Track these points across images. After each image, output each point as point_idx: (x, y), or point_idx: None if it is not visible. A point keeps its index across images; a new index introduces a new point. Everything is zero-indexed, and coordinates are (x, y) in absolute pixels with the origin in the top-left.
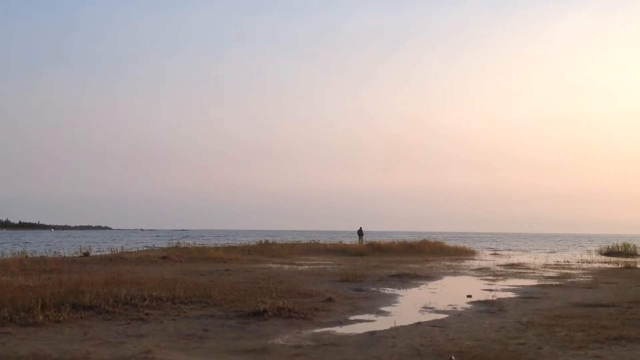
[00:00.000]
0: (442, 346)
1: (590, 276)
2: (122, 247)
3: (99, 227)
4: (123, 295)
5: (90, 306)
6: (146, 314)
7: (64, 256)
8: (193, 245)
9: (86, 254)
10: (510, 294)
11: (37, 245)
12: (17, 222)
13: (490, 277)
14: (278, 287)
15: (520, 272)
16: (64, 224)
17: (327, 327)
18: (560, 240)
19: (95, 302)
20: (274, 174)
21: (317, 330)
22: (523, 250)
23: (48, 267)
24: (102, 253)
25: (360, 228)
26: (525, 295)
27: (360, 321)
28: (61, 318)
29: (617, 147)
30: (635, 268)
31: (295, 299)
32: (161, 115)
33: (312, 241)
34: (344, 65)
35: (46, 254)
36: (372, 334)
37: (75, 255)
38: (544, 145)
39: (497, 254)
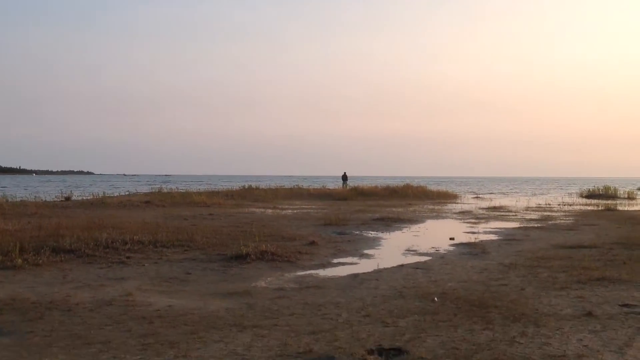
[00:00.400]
0: (425, 288)
1: (571, 218)
2: (104, 192)
3: (81, 172)
4: (104, 239)
5: (71, 250)
6: (127, 258)
7: (45, 200)
8: (176, 190)
9: (67, 199)
10: (493, 237)
11: (17, 190)
12: None
13: (473, 220)
14: (261, 231)
15: (502, 215)
16: (45, 169)
17: (310, 270)
18: (542, 184)
19: (76, 246)
20: (257, 120)
21: (300, 273)
22: (505, 194)
23: (28, 211)
24: (84, 198)
25: (345, 173)
26: (508, 237)
27: (344, 264)
28: (40, 261)
29: (599, 90)
30: (615, 210)
31: (278, 242)
32: (141, 61)
33: (295, 186)
34: (327, 9)
35: (26, 198)
36: (355, 276)
37: (56, 199)
38: (527, 91)
39: (479, 197)
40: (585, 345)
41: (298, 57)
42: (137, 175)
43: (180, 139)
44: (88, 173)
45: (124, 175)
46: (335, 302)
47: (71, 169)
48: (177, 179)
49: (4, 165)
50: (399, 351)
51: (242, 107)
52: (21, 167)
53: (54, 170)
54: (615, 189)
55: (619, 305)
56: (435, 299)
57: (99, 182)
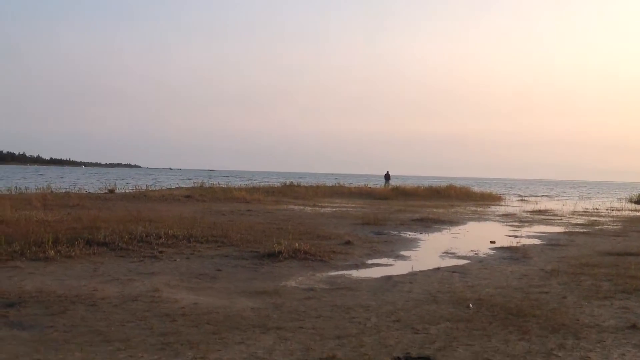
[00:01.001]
0: (460, 293)
1: (619, 224)
2: (147, 186)
3: (128, 165)
4: (139, 233)
5: (104, 242)
6: (160, 252)
7: (88, 192)
8: (217, 185)
9: (111, 191)
10: (536, 241)
11: (64, 181)
12: (49, 159)
13: (516, 224)
14: (297, 229)
15: (547, 219)
16: (95, 162)
17: (342, 270)
18: (590, 188)
19: (110, 239)
20: (301, 117)
21: (333, 274)
22: (551, 197)
23: (70, 202)
24: (127, 190)
25: (387, 172)
26: (551, 242)
27: (378, 265)
28: (73, 253)
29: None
30: None
31: (313, 241)
32: (195, 59)
33: (337, 184)
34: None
35: (71, 190)
36: (388, 278)
37: (100, 191)
38: (575, 91)
39: (524, 200)
40: None
41: (344, 55)
42: (182, 170)
43: (226, 134)
44: (135, 166)
45: (170, 169)
46: (365, 305)
47: (119, 162)
48: (220, 174)
49: (55, 157)
50: None
51: (285, 104)
52: (71, 159)
53: (103, 162)
54: None
55: None
56: (470, 305)
57: (144, 176)
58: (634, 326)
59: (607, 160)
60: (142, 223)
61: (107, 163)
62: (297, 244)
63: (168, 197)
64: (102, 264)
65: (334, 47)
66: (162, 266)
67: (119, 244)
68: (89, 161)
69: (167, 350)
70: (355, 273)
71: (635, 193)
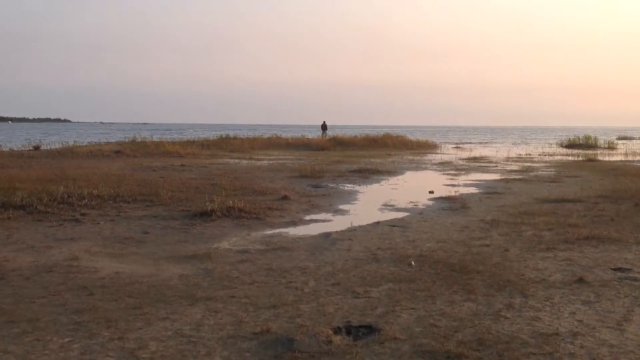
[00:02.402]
0: (402, 249)
1: (553, 170)
2: (75, 141)
3: (58, 120)
4: (60, 194)
5: (22, 205)
6: (82, 215)
7: (11, 150)
8: (150, 139)
9: (36, 148)
10: (473, 189)
11: None
12: None
13: (453, 172)
14: (232, 184)
15: (483, 166)
16: (22, 116)
17: (279, 228)
18: (521, 133)
19: (28, 201)
20: (240, 66)
21: (268, 232)
22: (484, 144)
23: None
24: (53, 147)
25: (324, 122)
26: (489, 190)
27: (316, 221)
28: None
29: (577, 37)
30: (597, 161)
31: (248, 197)
32: (127, 3)
33: (274, 135)
34: None
35: None
36: (327, 235)
37: (23, 148)
38: (507, 34)
39: (459, 147)
40: (579, 320)
41: (281, 2)
42: (115, 124)
43: (161, 85)
44: (65, 121)
45: (102, 123)
46: (302, 267)
47: (48, 117)
48: (155, 128)
49: None
50: (369, 329)
51: (225, 52)
52: None
53: (30, 117)
54: (595, 139)
55: (612, 269)
56: (412, 263)
57: (73, 130)
58: (580, 280)
59: (533, 105)
60: (64, 182)
61: (35, 118)
62: (231, 202)
63: (96, 153)
64: (17, 230)
65: None
66: (83, 230)
67: (38, 207)
68: (16, 116)
69: (80, 330)
70: (292, 231)
71: (564, 138)
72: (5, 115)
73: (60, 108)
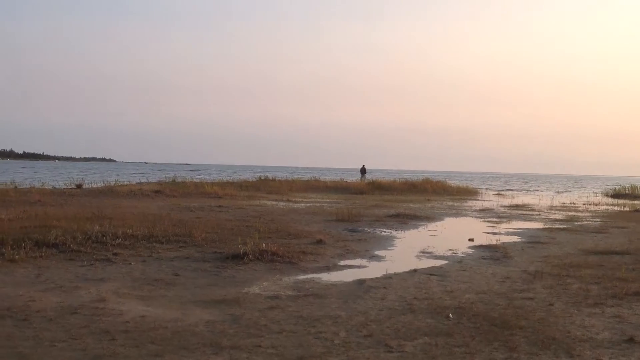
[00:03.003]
0: (439, 300)
1: (598, 219)
2: (116, 180)
3: (103, 159)
4: (94, 232)
5: (55, 244)
6: (114, 254)
7: (54, 188)
8: (190, 179)
9: (79, 186)
10: (515, 238)
11: (33, 176)
12: (21, 152)
13: (494, 219)
14: (267, 226)
15: (525, 214)
16: (69, 155)
17: (312, 273)
18: (563, 181)
19: (61, 239)
20: (280, 108)
21: (301, 277)
22: (527, 191)
23: (31, 199)
24: (95, 186)
25: (363, 166)
26: (532, 239)
27: (351, 267)
28: (17, 257)
29: (618, 86)
30: None
31: (283, 240)
32: (169, 47)
33: (312, 178)
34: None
35: (38, 185)
36: (361, 282)
37: (66, 187)
38: (546, 82)
39: (500, 194)
40: None
41: (322, 44)
42: (158, 164)
43: (205, 128)
44: (110, 160)
45: (145, 163)
46: (334, 315)
47: (94, 156)
48: (197, 168)
49: (28, 150)
50: None
51: (267, 94)
52: (44, 153)
53: (77, 157)
54: None
55: None
56: (450, 315)
57: (117, 170)
58: (631, 339)
59: (581, 152)
60: (100, 221)
61: (82, 157)
62: (264, 244)
63: (137, 192)
64: (48, 269)
65: (318, 31)
66: (114, 271)
67: (71, 245)
68: (63, 155)
69: None
70: (325, 276)
71: (610, 187)
72: (52, 154)
73: (106, 148)
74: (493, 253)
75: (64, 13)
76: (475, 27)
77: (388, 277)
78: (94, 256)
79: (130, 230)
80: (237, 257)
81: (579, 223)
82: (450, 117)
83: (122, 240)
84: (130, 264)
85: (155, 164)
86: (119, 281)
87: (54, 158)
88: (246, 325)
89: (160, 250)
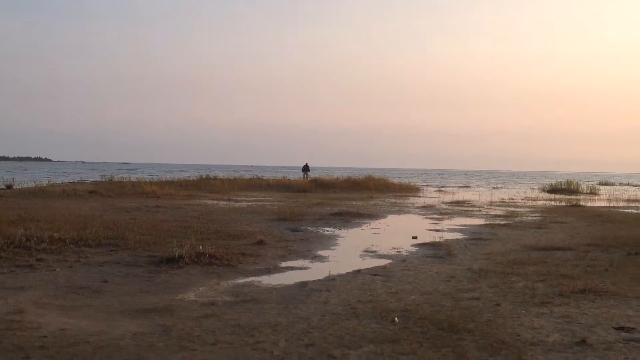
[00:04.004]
0: (384, 302)
1: (537, 215)
2: (49, 180)
3: (38, 159)
4: (18, 236)
5: None
6: (38, 260)
7: None
8: (128, 179)
9: (9, 187)
10: (458, 235)
11: None
12: None
13: (436, 216)
14: (207, 227)
15: (466, 210)
16: (2, 155)
17: (252, 276)
18: (500, 177)
19: None
20: (220, 107)
21: (240, 281)
22: (466, 187)
23: None
24: (26, 186)
25: (306, 164)
26: (474, 236)
27: (292, 268)
28: None
29: (558, 85)
30: (581, 206)
31: (222, 241)
32: (102, 46)
33: (254, 176)
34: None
35: None
36: (303, 285)
37: None
38: (481, 82)
39: (441, 190)
40: None
41: (266, 44)
42: (96, 163)
43: (143, 126)
44: (46, 160)
45: (82, 162)
46: (274, 323)
47: (29, 155)
48: (137, 167)
49: None
50: None
51: (207, 94)
52: None
53: (11, 156)
54: (577, 184)
55: (614, 328)
56: (396, 319)
57: (52, 170)
58: (583, 342)
59: (513, 149)
60: (26, 224)
61: (16, 157)
62: (201, 247)
63: (70, 192)
64: None
65: (265, 32)
66: (36, 278)
67: None
68: None
69: None
70: (266, 279)
71: (547, 182)
72: None
73: (42, 147)
74: (436, 251)
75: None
76: (420, 26)
77: (331, 278)
78: (16, 262)
79: (58, 234)
80: (172, 261)
81: (519, 218)
82: (390, 115)
83: (48, 244)
84: (54, 270)
85: (93, 162)
86: (40, 290)
87: None
88: (178, 337)
89: (89, 255)
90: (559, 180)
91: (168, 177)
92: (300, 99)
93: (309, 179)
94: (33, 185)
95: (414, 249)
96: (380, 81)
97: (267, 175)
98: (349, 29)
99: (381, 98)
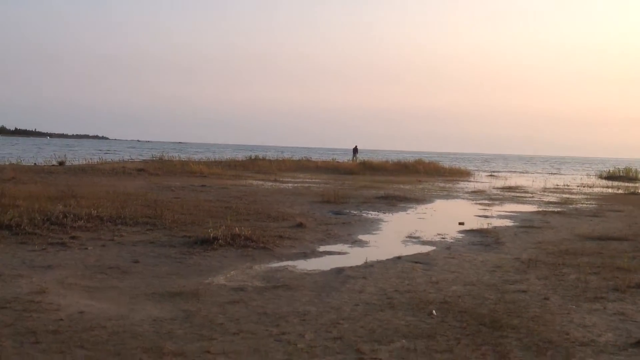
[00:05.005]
0: (422, 293)
1: (593, 202)
2: (101, 157)
3: (96, 137)
4: (55, 213)
5: (9, 225)
6: (72, 238)
7: (35, 164)
8: (177, 158)
9: (61, 163)
10: (508, 222)
11: (21, 152)
12: (13, 129)
13: (486, 201)
14: (248, 208)
15: (518, 197)
16: (61, 132)
17: (287, 260)
18: (556, 163)
19: (17, 221)
20: (276, 89)
21: (274, 265)
22: (520, 173)
23: (5, 176)
24: (78, 163)
25: (356, 146)
26: (525, 223)
27: (330, 253)
28: None
29: (616, 68)
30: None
31: (261, 222)
32: (161, 22)
33: (303, 157)
34: None
35: (17, 162)
36: (339, 272)
37: (46, 164)
38: (541, 64)
39: (493, 175)
40: None
41: (314, 26)
42: (151, 142)
43: (199, 106)
44: (103, 138)
45: (138, 141)
46: (302, 312)
47: (87, 133)
48: (190, 147)
49: (20, 127)
50: None
51: (262, 75)
52: (36, 130)
53: (69, 134)
54: (636, 171)
55: None
56: (434, 312)
57: (106, 147)
58: (638, 343)
59: (572, 135)
60: (67, 201)
61: (74, 134)
62: (237, 228)
63: (119, 170)
64: None
65: (314, 15)
66: (66, 256)
67: (25, 228)
68: (55, 132)
69: None
70: (301, 264)
71: (604, 169)
72: (45, 131)
73: (99, 125)
74: (484, 238)
75: None
76: (470, 18)
77: (369, 265)
78: (49, 240)
79: (96, 212)
80: (207, 242)
81: (573, 206)
82: (444, 99)
83: (84, 222)
84: (86, 248)
85: (148, 141)
86: (68, 269)
87: (45, 135)
88: (199, 325)
89: (124, 234)
90: (616, 167)
91: (219, 157)
92: (354, 79)
93: (357, 161)
94: (84, 162)
95: (460, 235)
96: (435, 64)
97: (317, 157)
98: (397, 11)
99: (435, 79)
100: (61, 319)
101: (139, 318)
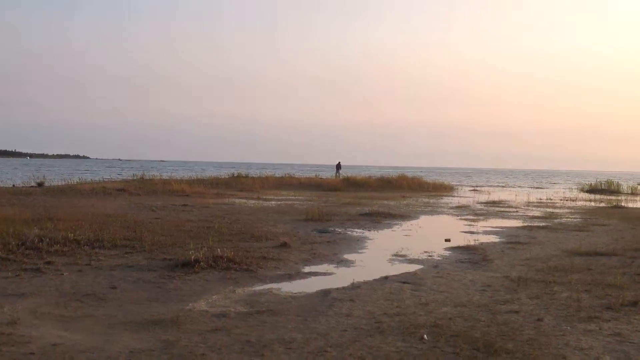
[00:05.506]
0: (412, 315)
1: (578, 216)
2: (80, 178)
3: (77, 157)
4: (31, 237)
5: None
6: (47, 263)
7: (13, 186)
8: (159, 177)
9: (40, 184)
10: (494, 238)
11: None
12: None
13: (471, 217)
14: (230, 228)
15: (502, 211)
16: (41, 152)
17: (271, 282)
18: (538, 177)
19: None
20: (257, 105)
21: (258, 288)
22: (502, 187)
23: None
24: (56, 184)
25: (339, 162)
26: (511, 239)
27: (316, 274)
28: None
29: (594, 82)
30: (624, 207)
31: (244, 243)
32: (140, 45)
33: (286, 174)
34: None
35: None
36: (325, 294)
37: (24, 185)
38: (526, 79)
39: (477, 190)
40: None
41: (292, 46)
42: (132, 161)
43: (179, 123)
44: (84, 157)
45: (119, 160)
46: (288, 339)
47: (67, 153)
48: (171, 165)
49: None
50: None
51: (244, 93)
52: (16, 150)
53: (50, 153)
54: (618, 184)
55: None
56: (425, 336)
57: (87, 167)
58: None
59: (551, 148)
60: (43, 224)
61: (55, 154)
62: (219, 250)
63: (99, 190)
64: None
65: (289, 32)
66: (40, 283)
67: None
68: (35, 152)
69: None
70: (285, 287)
71: (586, 182)
72: (26, 151)
73: (80, 144)
74: (471, 255)
75: (42, 5)
76: (469, 28)
77: (356, 286)
78: (23, 265)
79: (73, 235)
80: (188, 265)
81: (558, 220)
82: (429, 114)
83: (61, 246)
84: (62, 274)
85: (129, 160)
86: (42, 297)
87: (25, 155)
88: (178, 356)
89: (102, 258)
90: (598, 180)
91: (199, 175)
92: (339, 97)
93: (341, 177)
94: (63, 183)
95: (447, 253)
96: (418, 78)
97: (300, 174)
98: (383, 23)
99: (419, 95)
100: (32, 353)
101: (115, 350)
